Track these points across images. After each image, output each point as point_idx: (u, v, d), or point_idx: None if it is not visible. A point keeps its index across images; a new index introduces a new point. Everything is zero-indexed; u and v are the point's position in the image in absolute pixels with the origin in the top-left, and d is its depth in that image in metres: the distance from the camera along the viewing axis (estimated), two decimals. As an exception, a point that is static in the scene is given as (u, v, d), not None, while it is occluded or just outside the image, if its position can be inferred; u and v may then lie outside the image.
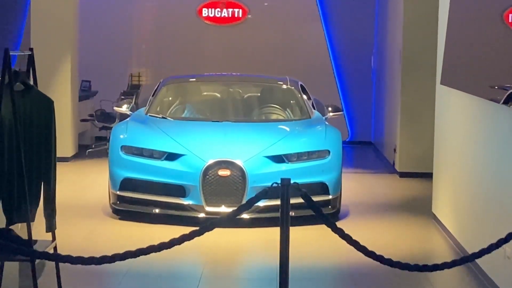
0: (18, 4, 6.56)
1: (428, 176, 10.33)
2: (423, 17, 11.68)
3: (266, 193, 4.34)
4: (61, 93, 12.61)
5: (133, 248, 4.22)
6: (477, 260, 6.72)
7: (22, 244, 5.26)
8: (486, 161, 7.41)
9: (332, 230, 4.46)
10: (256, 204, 4.40)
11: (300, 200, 4.47)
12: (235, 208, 8.67)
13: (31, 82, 5.65)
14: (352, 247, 4.47)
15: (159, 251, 4.11)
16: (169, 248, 4.12)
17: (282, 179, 4.23)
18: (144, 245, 4.24)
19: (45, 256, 4.77)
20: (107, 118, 13.47)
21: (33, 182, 5.45)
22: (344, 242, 4.49)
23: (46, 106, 5.55)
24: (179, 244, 4.12)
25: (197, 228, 4.34)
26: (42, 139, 5.51)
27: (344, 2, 15.23)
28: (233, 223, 8.32)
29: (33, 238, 5.37)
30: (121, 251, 4.23)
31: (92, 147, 13.76)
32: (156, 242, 4.21)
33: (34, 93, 5.54)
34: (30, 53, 5.81)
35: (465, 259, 4.77)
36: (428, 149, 10.61)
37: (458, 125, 8.58)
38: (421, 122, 11.85)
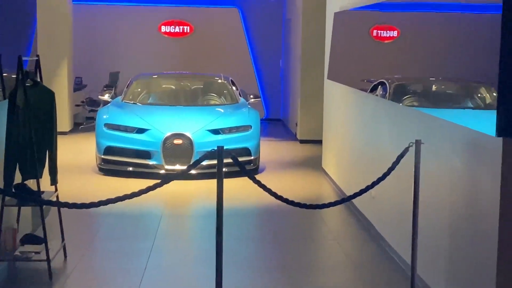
0: (28, 20, 6.42)
1: (319, 142, 10.41)
2: (315, 33, 11.72)
3: (207, 156, 4.32)
4: (61, 86, 12.36)
5: (113, 196, 4.16)
6: (353, 200, 6.83)
7: (33, 194, 5.16)
8: (357, 131, 7.50)
9: (252, 181, 4.46)
10: (200, 163, 4.36)
11: (231, 160, 4.47)
12: (185, 166, 8.75)
13: (38, 79, 5.52)
14: (266, 193, 4.48)
15: (131, 198, 4.05)
16: (139, 195, 4.06)
17: (218, 146, 4.20)
18: (121, 194, 4.18)
19: (50, 203, 4.67)
20: (94, 104, 13.24)
21: (41, 149, 5.33)
22: (261, 189, 4.50)
23: (49, 96, 5.42)
24: (146, 193, 4.07)
25: (159, 181, 4.29)
26: (47, 119, 5.39)
27: (260, 22, 15.17)
28: (185, 177, 8.31)
29: (41, 189, 5.27)
30: (105, 199, 4.17)
31: (83, 124, 13.50)
32: (130, 191, 4.16)
33: (40, 87, 5.41)
34: (37, 58, 5.67)
35: (345, 200, 4.81)
36: (319, 123, 10.70)
37: (339, 107, 8.66)
38: (314, 104, 11.93)
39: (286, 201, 4.47)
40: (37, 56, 5.71)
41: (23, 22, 6.50)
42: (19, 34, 6.44)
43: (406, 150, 4.66)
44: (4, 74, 5.42)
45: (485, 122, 4.10)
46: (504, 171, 3.64)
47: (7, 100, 5.15)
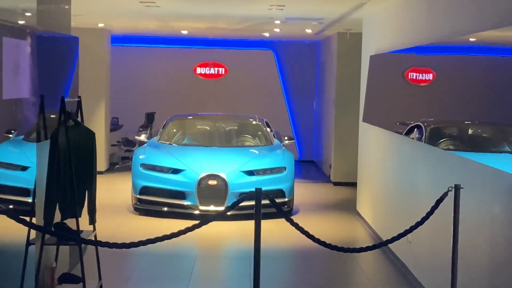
0: (69, 61, 6.60)
1: (354, 184, 10.36)
2: (350, 75, 11.78)
3: (245, 197, 4.34)
4: (97, 126, 12.56)
5: (149, 236, 4.18)
6: (389, 244, 6.76)
7: (72, 233, 5.21)
8: (394, 174, 7.47)
9: (289, 223, 4.45)
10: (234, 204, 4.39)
11: (266, 202, 4.45)
12: (220, 207, 8.79)
13: (79, 120, 5.62)
14: (300, 235, 4.45)
15: (171, 238, 4.07)
16: (178, 236, 4.09)
17: (256, 188, 4.22)
18: (156, 233, 4.21)
19: (90, 242, 4.72)
20: (130, 144, 13.40)
21: (80, 189, 5.40)
22: (296, 231, 4.46)
23: (90, 137, 5.52)
24: (184, 233, 4.10)
25: (197, 222, 4.31)
26: (87, 160, 5.48)
27: (294, 65, 15.30)
28: (222, 218, 8.32)
29: (80, 229, 5.32)
30: (141, 238, 4.17)
31: (119, 164, 13.67)
32: (165, 231, 4.17)
33: (81, 127, 5.52)
34: (79, 99, 5.79)
35: (383, 243, 4.76)
36: (353, 166, 10.66)
37: (374, 149, 8.64)
38: (348, 147, 11.91)
39: (324, 244, 4.45)
40: (79, 97, 5.83)
41: (65, 63, 6.67)
42: (60, 74, 6.59)
43: (445, 195, 4.62)
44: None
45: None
46: (547, 218, 3.59)
47: (49, 140, 5.25)
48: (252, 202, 4.32)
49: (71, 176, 5.18)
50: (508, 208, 4.16)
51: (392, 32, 8.01)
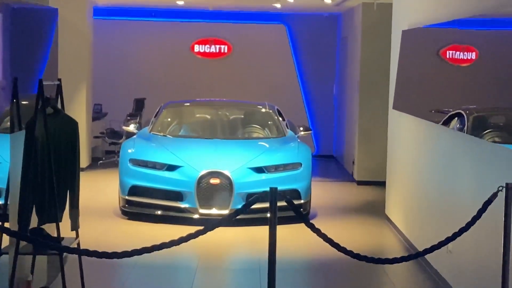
0: (46, 39, 6.63)
1: (381, 184, 10.36)
2: (377, 54, 11.76)
3: (258, 198, 4.34)
4: (78, 114, 12.54)
5: (140, 244, 4.19)
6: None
7: (51, 240, 5.24)
8: (430, 171, 7.46)
9: (311, 229, 4.46)
10: (239, 207, 4.39)
11: (279, 204, 4.42)
12: (224, 210, 8.80)
13: (60, 107, 5.64)
14: (322, 242, 4.44)
15: (170, 247, 4.08)
16: (178, 244, 4.09)
17: (270, 188, 4.22)
18: (149, 241, 4.22)
19: (72, 251, 4.73)
20: (115, 135, 13.44)
21: (61, 189, 5.44)
22: (315, 239, 4.45)
23: (72, 127, 5.54)
24: (186, 241, 4.10)
25: (198, 227, 4.31)
26: (69, 154, 5.51)
27: (310, 41, 15.28)
28: (229, 223, 8.31)
29: (60, 235, 5.34)
30: (131, 247, 4.17)
31: (103, 159, 13.70)
32: (159, 238, 4.17)
33: (62, 116, 5.53)
34: (59, 83, 5.80)
35: (420, 253, 4.76)
36: (380, 162, 10.65)
37: (406, 142, 8.63)
38: (375, 140, 11.91)
39: (350, 253, 4.45)
40: (59, 80, 5.84)
41: (41, 39, 6.69)
42: (36, 53, 6.61)
43: (494, 196, 4.62)
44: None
45: None
46: None
47: (23, 131, 5.26)
48: (261, 205, 4.34)
49: (50, 174, 5.20)
50: None
51: (428, 2, 7.99)
